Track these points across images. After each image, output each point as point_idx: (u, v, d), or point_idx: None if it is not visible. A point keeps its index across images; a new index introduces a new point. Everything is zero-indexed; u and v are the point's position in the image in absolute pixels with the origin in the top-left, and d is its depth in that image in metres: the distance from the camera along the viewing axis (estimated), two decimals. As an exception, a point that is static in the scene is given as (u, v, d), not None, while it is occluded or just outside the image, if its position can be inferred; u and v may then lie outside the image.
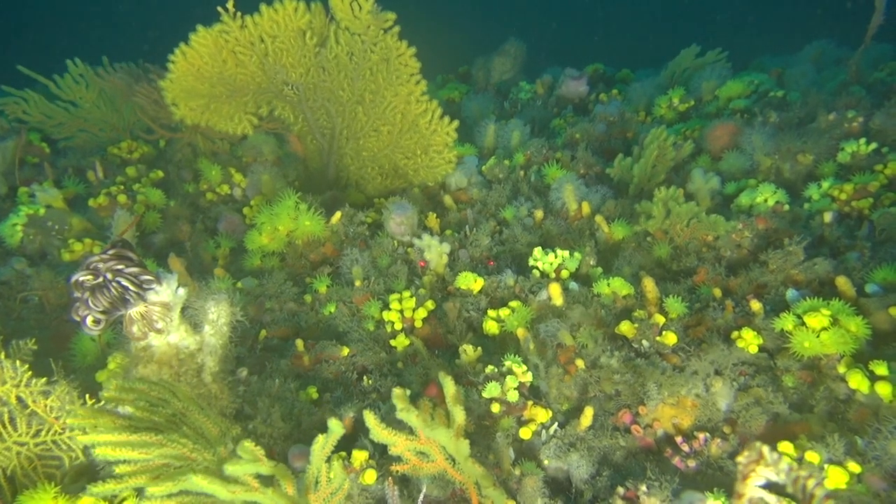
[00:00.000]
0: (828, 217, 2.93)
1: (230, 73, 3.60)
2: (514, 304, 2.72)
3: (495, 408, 2.24)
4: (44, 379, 1.92)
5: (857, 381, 2.01)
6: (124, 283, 1.82)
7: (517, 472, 2.09)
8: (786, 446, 1.91)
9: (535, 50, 6.79)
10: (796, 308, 2.27)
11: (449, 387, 1.77)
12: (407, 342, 2.71)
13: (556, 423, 2.26)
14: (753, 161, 3.59)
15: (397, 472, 1.83)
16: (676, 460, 2.10)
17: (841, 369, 2.10)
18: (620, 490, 1.96)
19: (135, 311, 1.91)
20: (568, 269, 2.94)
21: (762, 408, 2.14)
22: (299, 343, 2.65)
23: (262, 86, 3.72)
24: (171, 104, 3.62)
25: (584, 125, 4.41)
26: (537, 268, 2.96)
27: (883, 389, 1.96)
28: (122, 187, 3.72)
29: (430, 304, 2.82)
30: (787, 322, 2.23)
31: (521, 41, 6.36)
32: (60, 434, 1.90)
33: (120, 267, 1.83)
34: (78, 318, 1.79)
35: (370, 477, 1.97)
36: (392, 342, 2.72)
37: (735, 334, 2.34)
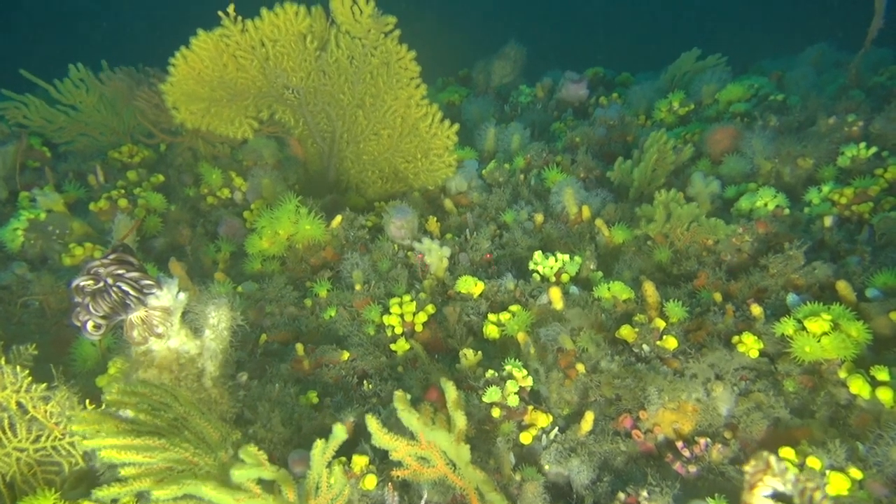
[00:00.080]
0: (828, 221, 2.93)
1: (231, 76, 3.60)
2: (514, 308, 2.71)
3: (496, 412, 2.24)
4: (44, 384, 1.92)
5: (859, 387, 2.00)
6: (125, 287, 1.82)
7: (518, 477, 2.09)
8: (787, 452, 1.91)
9: (536, 53, 6.79)
10: (797, 312, 2.27)
11: (450, 392, 1.77)
12: (407, 346, 2.71)
13: (557, 428, 2.25)
14: (753, 165, 3.59)
15: (398, 477, 1.82)
16: (677, 466, 2.09)
17: (842, 374, 2.10)
18: (621, 496, 1.96)
19: (135, 315, 1.90)
20: (568, 272, 2.94)
21: (763, 413, 2.14)
22: (299, 347, 2.65)
23: (262, 89, 3.72)
24: (172, 108, 3.62)
25: (584, 129, 4.42)
26: (538, 272, 2.95)
27: (884, 395, 1.96)
28: (122, 191, 3.72)
29: (430, 308, 2.81)
30: (787, 327, 2.23)
31: (521, 44, 6.36)
32: (60, 440, 1.90)
33: (121, 272, 1.83)
34: (78, 323, 1.79)
35: (370, 482, 1.97)
36: (392, 346, 2.72)
37: (736, 339, 2.34)
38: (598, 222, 3.22)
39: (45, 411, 1.89)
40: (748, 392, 2.22)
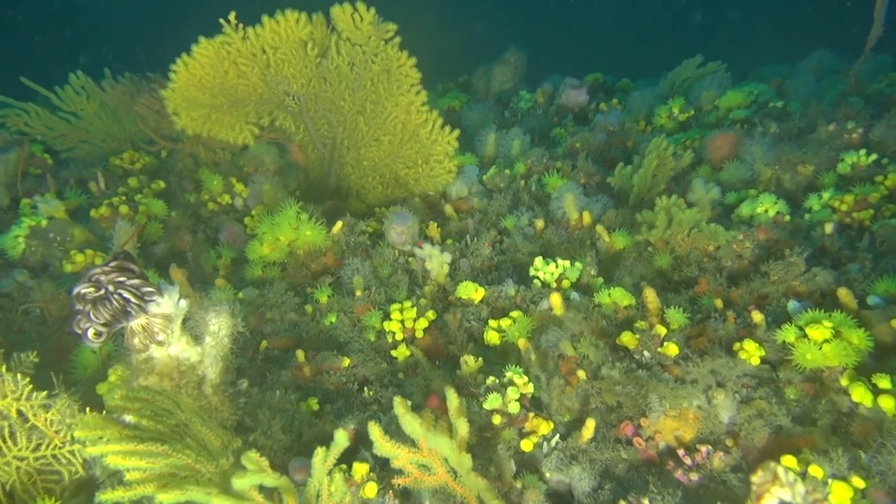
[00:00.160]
0: (829, 228, 2.93)
1: (232, 83, 3.61)
2: (515, 314, 2.71)
3: (496, 419, 2.23)
4: (44, 392, 1.91)
5: (860, 395, 2.00)
6: (126, 295, 1.82)
7: (519, 485, 2.08)
8: (789, 460, 1.90)
9: (536, 59, 6.81)
10: (798, 320, 2.26)
11: (453, 399, 1.76)
12: (408, 353, 2.70)
13: (558, 435, 2.25)
14: (754, 171, 3.60)
15: (398, 485, 1.82)
16: (679, 473, 2.09)
17: (843, 382, 2.10)
18: (623, 503, 1.95)
19: (136, 323, 1.90)
20: (569, 278, 2.94)
21: (765, 420, 2.13)
22: (300, 354, 2.64)
23: (263, 96, 3.73)
24: (173, 114, 3.63)
25: (585, 134, 4.42)
26: (538, 278, 2.95)
27: (886, 403, 1.95)
28: (123, 198, 3.73)
29: (430, 314, 2.81)
30: (788, 334, 2.23)
31: (522, 50, 6.38)
32: (60, 448, 1.90)
33: (122, 279, 1.83)
34: (79, 331, 1.79)
35: (371, 490, 1.97)
36: (393, 353, 2.72)
37: (737, 346, 2.34)
38: (599, 228, 3.22)
39: (46, 419, 1.89)
40: (750, 399, 2.22)
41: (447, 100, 6.09)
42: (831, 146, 3.56)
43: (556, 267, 2.94)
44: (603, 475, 2.15)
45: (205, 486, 1.54)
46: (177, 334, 2.03)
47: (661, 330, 2.42)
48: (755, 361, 2.28)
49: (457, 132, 3.82)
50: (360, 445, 2.15)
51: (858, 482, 1.84)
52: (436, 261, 3.05)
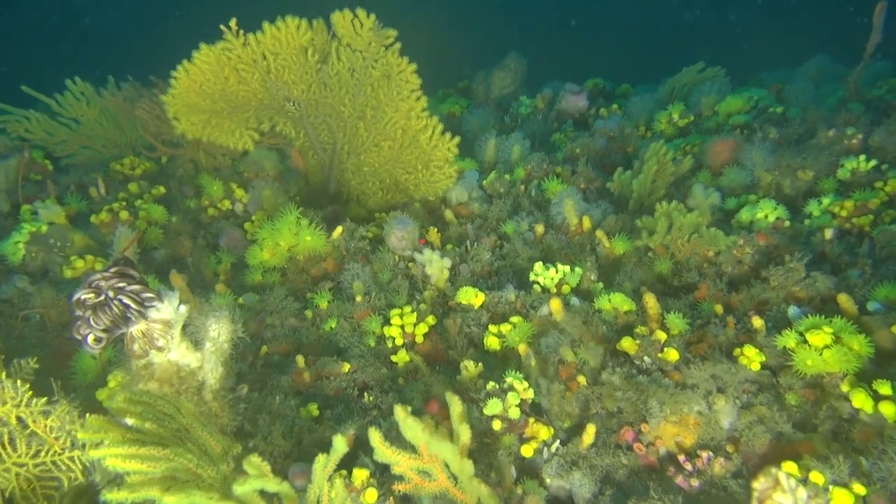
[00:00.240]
0: (828, 234, 2.94)
1: (232, 89, 3.62)
2: (515, 319, 2.71)
3: (496, 425, 2.23)
4: (44, 399, 1.91)
5: (861, 401, 2.00)
6: (126, 300, 1.82)
7: (519, 490, 2.08)
8: (790, 466, 1.89)
9: (536, 64, 6.83)
10: (798, 325, 2.26)
11: (455, 405, 1.76)
12: (408, 358, 2.70)
13: (558, 441, 2.24)
14: (754, 177, 3.60)
15: (399, 491, 1.82)
16: (679, 479, 2.08)
17: (844, 388, 2.09)
18: (623, 510, 1.95)
19: (136, 328, 1.90)
20: (569, 284, 2.94)
21: (765, 426, 2.13)
22: (300, 359, 2.64)
23: (263, 102, 3.74)
24: (173, 119, 3.64)
25: (585, 140, 4.43)
26: (538, 283, 2.95)
27: (887, 409, 1.95)
28: (124, 203, 3.73)
29: (430, 320, 2.81)
30: (789, 339, 2.23)
31: (522, 55, 6.40)
32: (60, 454, 1.89)
33: (122, 285, 1.83)
34: (79, 337, 1.79)
35: (371, 496, 1.96)
36: (393, 358, 2.72)
37: (737, 351, 2.34)
38: (599, 233, 3.22)
39: (45, 426, 1.89)
40: (750, 405, 2.21)
41: (447, 105, 6.10)
42: (831, 152, 3.57)
43: (557, 272, 2.94)
44: (603, 481, 2.15)
45: (206, 491, 1.54)
46: (177, 340, 2.03)
47: (662, 335, 2.42)
48: (755, 367, 2.28)
49: (457, 139, 3.83)
50: (359, 451, 2.15)
51: (860, 489, 1.83)
52: (436, 266, 3.05)
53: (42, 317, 2.95)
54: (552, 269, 2.95)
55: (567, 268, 2.96)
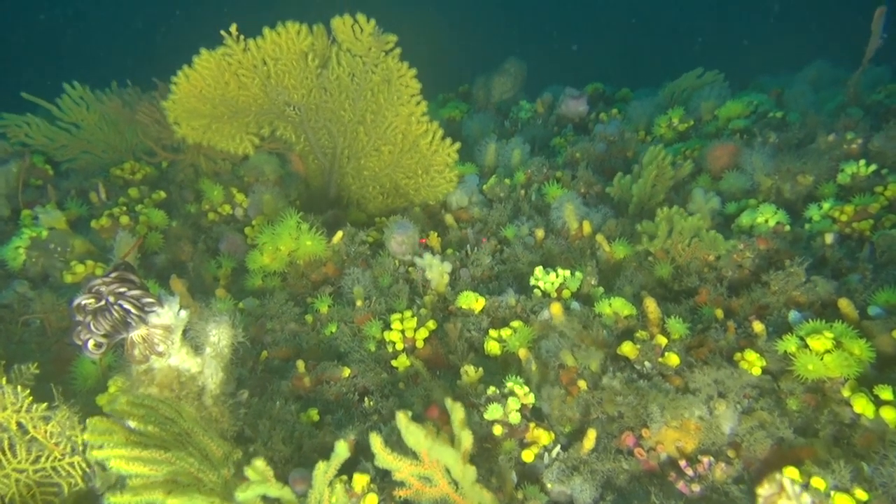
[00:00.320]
0: (829, 238, 2.94)
1: (232, 94, 3.62)
2: (515, 324, 2.71)
3: (497, 430, 2.23)
4: (44, 404, 1.91)
5: (862, 406, 1.99)
6: (126, 306, 1.82)
7: (520, 496, 2.07)
8: (791, 471, 1.89)
9: (536, 69, 6.84)
10: (799, 330, 2.26)
11: (457, 412, 1.75)
12: (408, 363, 2.70)
13: (559, 446, 2.24)
14: (753, 181, 3.60)
15: (399, 496, 1.81)
16: (681, 485, 2.08)
17: (845, 393, 2.09)
18: (624, 515, 1.94)
19: (136, 334, 1.90)
20: (569, 288, 2.94)
21: (767, 431, 2.13)
22: (300, 364, 2.64)
23: (263, 107, 3.74)
24: (174, 124, 3.65)
25: (585, 144, 4.44)
26: (539, 287, 2.95)
27: (888, 414, 1.94)
28: (124, 208, 3.73)
29: (431, 324, 2.81)
30: (790, 344, 2.22)
31: (522, 60, 6.41)
32: (60, 460, 1.89)
33: (122, 290, 1.83)
34: (80, 342, 1.78)
35: (371, 502, 1.96)
36: (393, 363, 2.71)
37: (738, 356, 2.34)
38: (599, 238, 3.22)
39: (46, 431, 1.88)
40: (751, 410, 2.21)
41: (447, 110, 6.11)
42: (831, 156, 3.57)
43: (557, 277, 2.94)
44: (604, 486, 2.14)
45: (207, 495, 1.54)
46: (177, 345, 2.03)
47: (662, 340, 2.42)
48: (756, 372, 2.27)
49: (458, 144, 3.84)
50: (360, 456, 2.15)
51: (861, 494, 1.83)
52: (436, 270, 3.05)
53: (42, 322, 2.94)
54: (552, 274, 2.95)
55: (567, 272, 2.96)
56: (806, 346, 2.18)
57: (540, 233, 3.43)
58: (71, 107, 4.28)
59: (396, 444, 1.78)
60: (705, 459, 2.11)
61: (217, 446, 1.76)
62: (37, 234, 3.35)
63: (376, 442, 1.66)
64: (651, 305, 2.51)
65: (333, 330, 2.89)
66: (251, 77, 3.59)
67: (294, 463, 2.22)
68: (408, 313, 2.85)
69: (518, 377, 2.37)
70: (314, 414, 2.43)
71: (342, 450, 1.62)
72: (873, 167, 3.34)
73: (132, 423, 1.68)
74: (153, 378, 2.04)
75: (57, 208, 3.65)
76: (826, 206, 3.18)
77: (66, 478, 1.92)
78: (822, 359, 2.13)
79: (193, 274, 3.48)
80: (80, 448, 1.95)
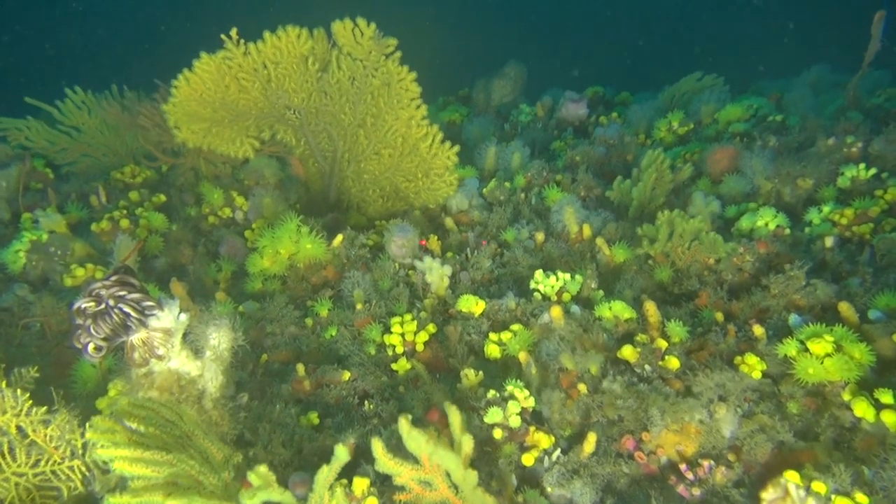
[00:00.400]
0: (829, 242, 2.94)
1: (233, 98, 3.63)
2: (515, 327, 2.71)
3: (497, 434, 2.22)
4: (44, 408, 1.91)
5: (863, 409, 1.99)
6: (126, 309, 1.82)
7: (520, 499, 2.07)
8: (792, 475, 1.89)
9: (536, 72, 6.86)
10: (799, 334, 2.26)
11: (454, 417, 1.75)
12: (408, 366, 2.70)
13: (559, 450, 2.24)
14: (753, 185, 3.60)
15: (399, 501, 1.81)
16: (681, 488, 2.08)
17: (846, 396, 2.09)
18: (625, 519, 1.94)
19: (136, 337, 1.90)
20: (569, 291, 2.94)
21: (767, 435, 2.12)
22: (300, 367, 2.64)
23: (264, 110, 3.75)
24: (174, 127, 3.65)
25: (584, 148, 4.44)
26: (539, 291, 2.95)
27: (889, 418, 1.94)
28: (124, 212, 3.73)
29: (431, 328, 2.81)
30: (790, 348, 2.22)
31: (521, 64, 6.42)
32: (59, 464, 1.89)
33: (122, 293, 1.83)
34: (79, 345, 1.78)
35: (372, 505, 1.95)
36: (393, 366, 2.71)
37: (738, 359, 2.34)
38: (599, 241, 3.22)
39: (45, 435, 1.88)
40: (751, 414, 2.21)
41: (447, 113, 6.12)
42: (831, 160, 3.57)
43: (557, 280, 2.94)
44: (604, 490, 2.14)
45: (207, 498, 1.54)
46: (177, 348, 2.03)
47: (662, 343, 2.42)
48: (757, 375, 2.27)
49: (457, 147, 3.84)
50: (360, 460, 2.14)
51: (862, 498, 1.83)
52: (436, 274, 3.05)
53: (42, 325, 2.94)
54: (552, 277, 2.95)
55: (567, 276, 2.96)
56: (806, 349, 2.18)
57: (540, 236, 3.43)
58: (71, 110, 4.29)
59: (396, 447, 1.77)
60: (706, 463, 2.11)
61: (217, 449, 1.76)
62: (37, 238, 3.35)
63: (378, 447, 1.66)
64: (651, 309, 2.51)
65: (333, 333, 2.89)
66: (251, 81, 3.59)
67: (294, 466, 2.22)
68: (408, 317, 2.85)
69: (518, 381, 2.37)
70: (314, 417, 2.43)
71: (341, 453, 1.62)
72: (873, 171, 3.35)
73: (133, 426, 1.68)
74: (153, 381, 2.04)
75: (57, 212, 3.65)
76: (826, 209, 3.18)
77: (65, 481, 1.92)
78: (822, 362, 2.13)
79: (193, 277, 3.48)
80: (80, 452, 1.95)
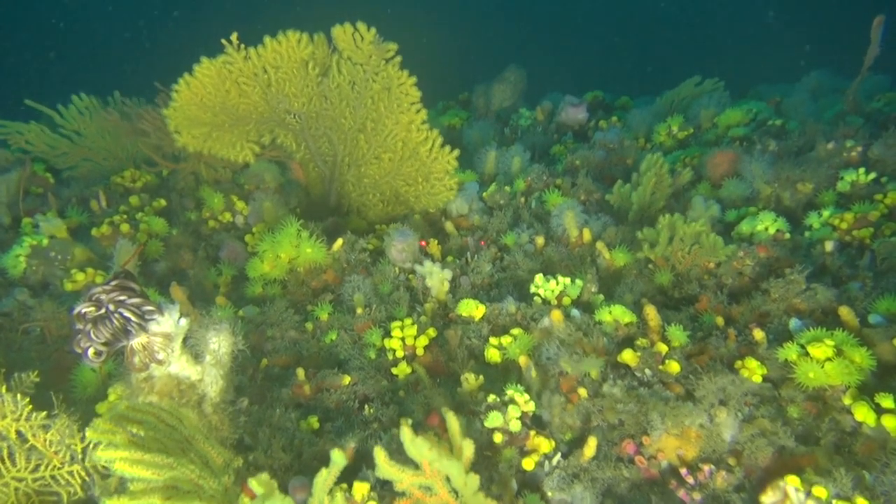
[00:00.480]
0: (829, 246, 2.94)
1: (233, 102, 3.64)
2: (515, 331, 2.71)
3: (497, 438, 2.22)
4: (44, 412, 1.90)
5: (863, 414, 1.99)
6: (126, 314, 1.82)
7: (521, 504, 2.07)
8: (793, 480, 1.89)
9: (536, 77, 6.87)
10: (800, 338, 2.26)
11: (453, 423, 1.75)
12: (409, 370, 2.70)
13: (560, 454, 2.23)
14: (753, 189, 3.61)
15: (399, 506, 1.80)
16: (682, 493, 2.07)
17: (846, 401, 2.09)
18: (625, 524, 1.94)
19: (136, 342, 1.90)
20: (570, 296, 2.94)
21: (768, 439, 2.12)
22: (300, 372, 2.64)
23: (264, 115, 3.76)
24: (175, 132, 3.66)
25: (584, 152, 4.44)
26: (539, 295, 2.95)
27: (890, 422, 1.94)
28: (125, 216, 3.74)
29: (431, 332, 2.81)
30: (790, 352, 2.22)
31: (521, 68, 6.43)
32: (59, 469, 1.88)
33: (122, 298, 1.83)
34: (80, 350, 1.78)
35: (372, 510, 1.95)
36: (394, 370, 2.71)
37: (738, 364, 2.33)
38: (599, 245, 3.22)
39: (45, 440, 1.88)
40: (752, 418, 2.21)
41: (447, 117, 6.12)
42: (830, 164, 3.58)
43: (557, 284, 2.94)
44: (605, 494, 2.14)
45: (208, 503, 1.53)
46: (177, 353, 2.03)
47: (663, 347, 2.42)
48: (757, 379, 2.27)
49: (457, 152, 3.85)
50: (361, 464, 2.14)
51: (863, 503, 1.82)
52: (436, 278, 3.05)
53: (42, 330, 2.94)
54: (553, 281, 2.95)
55: (567, 280, 2.96)
56: (807, 353, 2.18)
57: (540, 240, 3.44)
58: (73, 115, 4.30)
59: (396, 451, 1.77)
60: (706, 467, 2.10)
61: (218, 454, 1.76)
62: (37, 243, 3.35)
63: (380, 455, 1.65)
64: (651, 313, 2.51)
65: (333, 337, 2.89)
66: (252, 85, 3.60)
67: (294, 471, 2.21)
68: (408, 321, 2.85)
69: (518, 385, 2.37)
70: (314, 422, 2.42)
71: (338, 458, 1.61)
72: (873, 175, 3.35)
73: (134, 429, 1.68)
74: (153, 386, 2.04)
75: (58, 216, 3.66)
76: (826, 213, 3.18)
77: (65, 486, 1.91)
78: (822, 367, 2.12)
79: (194, 282, 3.48)
80: (80, 456, 1.95)
